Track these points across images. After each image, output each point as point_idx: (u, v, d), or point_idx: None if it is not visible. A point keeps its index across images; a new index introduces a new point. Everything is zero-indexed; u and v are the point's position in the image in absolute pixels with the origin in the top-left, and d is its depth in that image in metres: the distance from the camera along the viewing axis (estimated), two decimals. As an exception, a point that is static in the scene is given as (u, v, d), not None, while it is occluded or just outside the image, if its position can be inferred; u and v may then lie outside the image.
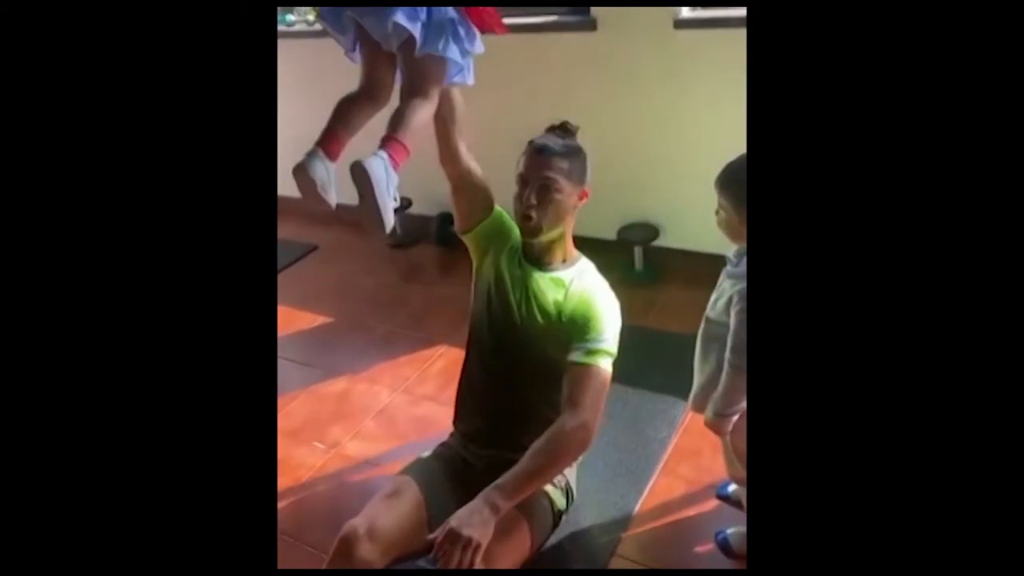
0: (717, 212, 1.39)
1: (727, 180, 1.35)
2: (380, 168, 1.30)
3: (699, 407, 1.47)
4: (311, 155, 1.35)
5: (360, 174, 1.29)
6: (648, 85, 2.56)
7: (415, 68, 1.39)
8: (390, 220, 1.35)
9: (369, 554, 1.39)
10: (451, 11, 1.36)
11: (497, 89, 2.90)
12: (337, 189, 1.37)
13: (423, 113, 1.40)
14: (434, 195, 2.86)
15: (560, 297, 1.58)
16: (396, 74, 1.45)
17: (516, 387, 1.64)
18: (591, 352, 1.51)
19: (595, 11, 2.54)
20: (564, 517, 1.65)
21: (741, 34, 1.92)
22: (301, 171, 1.34)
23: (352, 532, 1.42)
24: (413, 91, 1.40)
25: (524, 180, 1.54)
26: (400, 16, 1.31)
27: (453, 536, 1.30)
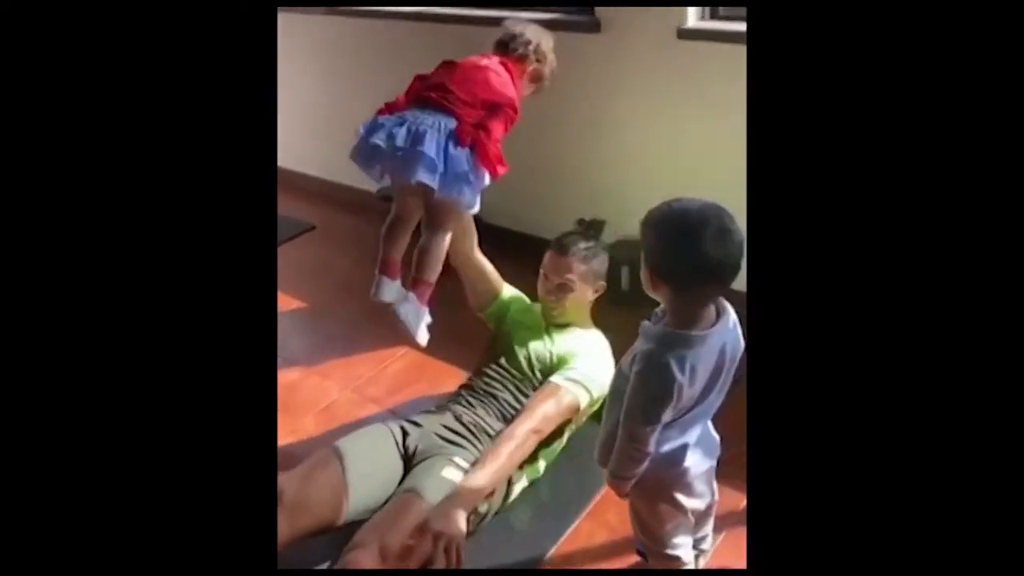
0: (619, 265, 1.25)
1: (644, 224, 1.19)
2: (410, 312, 1.71)
3: (602, 462, 1.34)
4: (378, 285, 1.75)
5: (395, 317, 1.71)
6: (648, 94, 2.41)
7: (434, 207, 1.69)
8: (423, 340, 1.76)
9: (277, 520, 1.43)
10: (464, 164, 1.61)
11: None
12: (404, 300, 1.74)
13: (442, 244, 1.73)
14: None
15: (561, 341, 1.83)
16: (420, 201, 1.74)
17: (499, 418, 1.78)
18: (567, 378, 1.73)
19: (600, 12, 2.39)
20: (480, 523, 1.66)
21: (743, 49, 1.78)
22: (376, 299, 1.77)
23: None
24: (432, 224, 1.72)
25: (545, 275, 1.82)
26: (422, 173, 1.57)
27: (434, 536, 1.44)
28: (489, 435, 1.72)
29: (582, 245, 1.78)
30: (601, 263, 1.82)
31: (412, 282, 1.74)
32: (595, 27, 2.41)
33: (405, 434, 1.72)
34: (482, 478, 1.58)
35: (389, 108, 1.70)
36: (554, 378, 1.74)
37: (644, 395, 1.18)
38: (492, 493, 1.64)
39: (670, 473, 1.28)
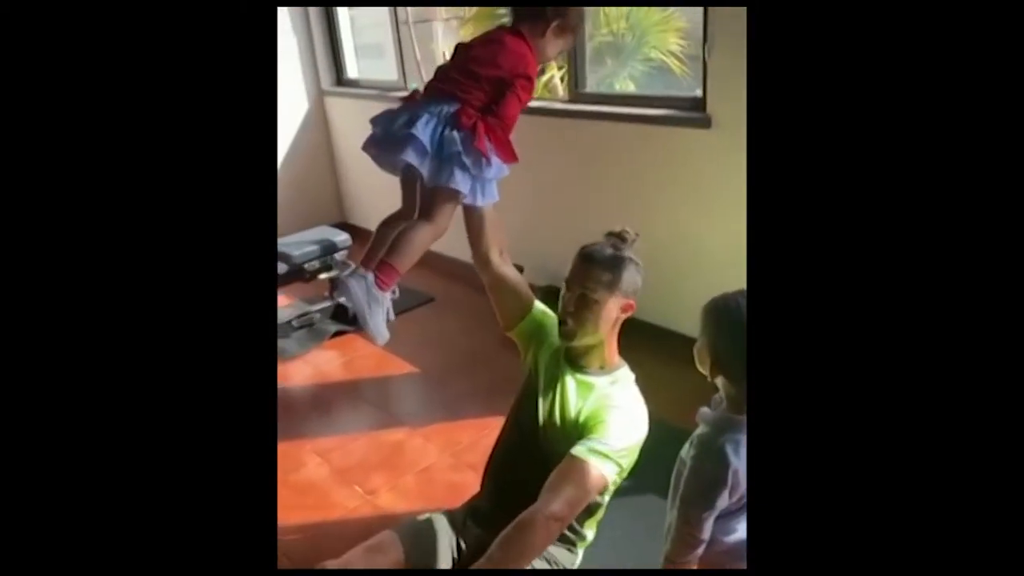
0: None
1: (704, 313, 1.25)
2: (360, 288, 1.51)
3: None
4: (351, 275, 1.56)
5: (343, 290, 1.52)
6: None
7: (425, 195, 1.59)
8: (380, 334, 1.57)
9: None
10: (458, 144, 1.49)
11: (606, 178, 2.94)
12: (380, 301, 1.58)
13: (424, 236, 1.58)
14: (545, 265, 2.94)
15: (584, 402, 1.57)
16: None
17: (526, 483, 1.60)
18: (591, 450, 1.47)
19: (711, 109, 2.50)
20: None
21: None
22: (342, 287, 1.57)
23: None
24: (423, 214, 1.61)
25: (567, 285, 1.57)
26: (409, 154, 1.48)
27: None
28: None
29: (608, 252, 1.54)
30: (631, 276, 1.55)
31: (378, 263, 1.57)
32: (706, 123, 2.51)
33: (460, 529, 1.68)
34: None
35: (404, 102, 1.64)
36: (577, 450, 1.48)
37: (699, 480, 1.20)
38: None
39: (734, 565, 1.28)
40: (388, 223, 1.69)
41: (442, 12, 6.18)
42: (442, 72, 1.63)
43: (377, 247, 1.65)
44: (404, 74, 3.90)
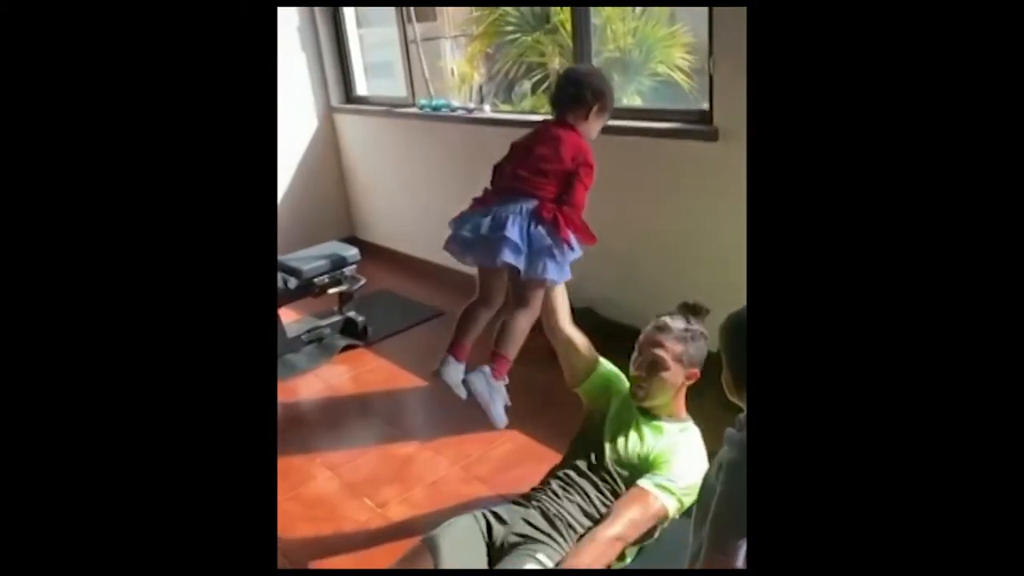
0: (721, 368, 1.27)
1: (724, 331, 1.24)
2: (481, 383, 1.73)
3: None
4: (444, 363, 1.78)
5: (468, 387, 1.75)
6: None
7: (519, 285, 1.76)
8: (501, 419, 1.78)
9: None
10: (547, 238, 1.68)
11: (617, 189, 2.95)
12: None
13: (525, 322, 1.77)
14: (579, 288, 2.94)
15: (655, 442, 1.77)
16: (505, 282, 1.81)
17: (584, 514, 1.76)
18: (657, 484, 1.68)
19: (717, 121, 2.51)
20: None
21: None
22: (437, 377, 1.80)
23: None
24: (518, 302, 1.77)
25: (639, 349, 1.78)
26: (507, 255, 1.67)
27: None
28: (574, 529, 1.70)
29: (681, 325, 1.74)
30: (698, 349, 1.75)
31: (491, 355, 1.76)
32: (713, 136, 2.52)
33: (491, 526, 1.73)
34: None
35: (477, 203, 1.81)
36: (643, 482, 1.69)
37: (732, 506, 1.14)
38: None
39: None
40: (470, 312, 1.87)
41: (449, 30, 6.24)
42: (507, 173, 1.80)
43: (461, 333, 1.84)
44: (413, 91, 3.93)
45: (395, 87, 4.19)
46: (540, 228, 1.68)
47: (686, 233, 2.73)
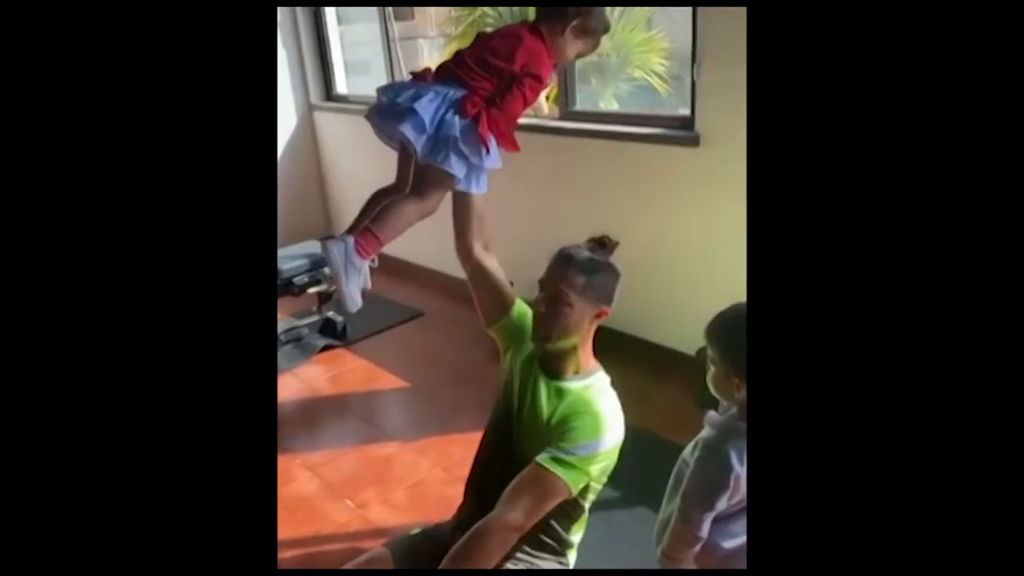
0: (707, 368, 1.31)
1: (715, 330, 1.28)
2: (339, 252, 1.48)
3: (658, 540, 1.38)
4: (332, 238, 1.53)
5: (323, 252, 1.50)
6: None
7: (418, 171, 1.58)
8: (353, 301, 1.52)
9: None
10: (456, 129, 1.49)
11: (596, 196, 2.98)
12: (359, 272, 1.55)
13: (411, 210, 1.57)
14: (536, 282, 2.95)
15: (555, 407, 1.54)
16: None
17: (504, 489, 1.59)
18: (556, 459, 1.44)
19: (699, 127, 2.55)
20: None
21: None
22: (323, 248, 1.52)
23: None
24: (413, 190, 1.60)
25: (541, 285, 1.55)
26: (407, 128, 1.48)
27: None
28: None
29: (585, 255, 1.53)
30: (606, 281, 1.54)
31: (360, 230, 1.56)
32: (694, 142, 2.56)
33: (449, 541, 1.59)
34: None
35: (415, 78, 1.64)
36: (541, 458, 1.45)
37: (701, 481, 1.24)
38: None
39: (732, 567, 1.30)
40: (380, 195, 1.68)
41: (429, 30, 6.21)
42: (458, 56, 1.62)
43: (364, 216, 1.63)
44: (393, 90, 3.93)
45: (371, 85, 4.16)
46: (455, 118, 1.51)
47: (667, 236, 2.76)
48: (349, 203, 4.44)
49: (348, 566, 1.60)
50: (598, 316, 1.55)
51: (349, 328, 3.34)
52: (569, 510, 1.54)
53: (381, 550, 1.65)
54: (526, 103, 1.59)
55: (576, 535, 1.65)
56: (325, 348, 3.26)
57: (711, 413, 1.32)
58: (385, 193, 1.67)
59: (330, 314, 3.34)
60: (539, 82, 1.60)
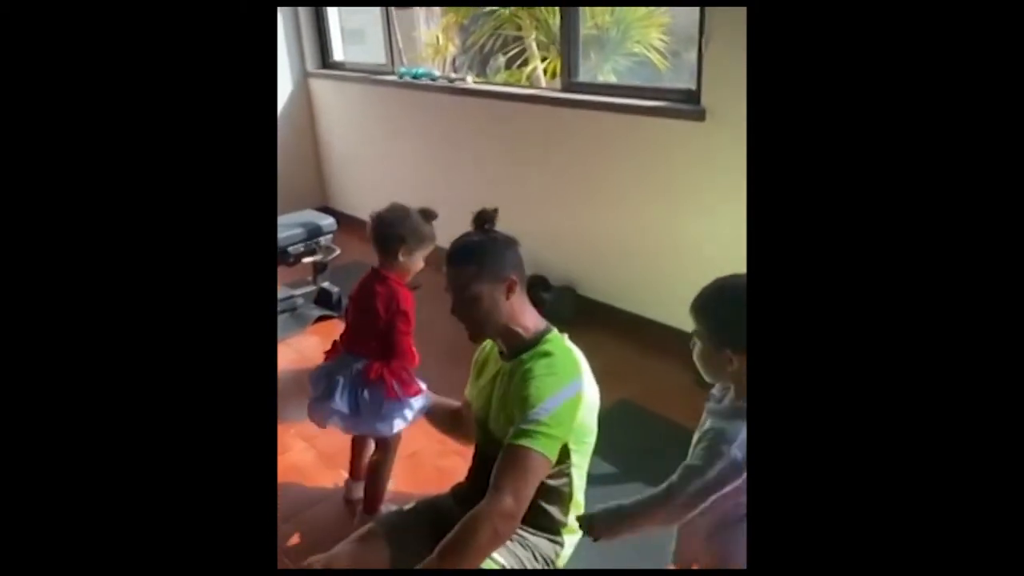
0: (692, 344, 1.28)
1: (701, 306, 1.25)
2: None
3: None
4: (348, 486, 2.21)
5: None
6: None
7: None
8: None
9: None
10: (373, 401, 1.92)
11: (597, 168, 2.95)
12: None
13: (386, 463, 2.12)
14: (535, 257, 2.92)
15: (509, 385, 1.52)
16: None
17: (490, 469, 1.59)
18: (521, 432, 1.41)
19: (705, 101, 2.51)
20: None
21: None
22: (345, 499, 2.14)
23: (309, 567, 1.50)
24: (377, 444, 2.14)
25: (449, 290, 1.54)
26: (336, 420, 1.99)
27: None
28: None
29: (470, 241, 1.51)
30: (497, 255, 1.49)
31: (365, 499, 2.08)
32: (700, 116, 2.52)
33: (446, 514, 1.63)
34: None
35: (327, 355, 2.03)
36: (510, 438, 1.42)
37: (705, 473, 1.20)
38: None
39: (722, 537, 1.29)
40: (355, 445, 2.19)
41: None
42: (344, 331, 2.01)
43: (355, 456, 2.18)
44: (392, 58, 3.86)
45: (366, 54, 4.11)
46: (368, 390, 1.87)
47: (669, 212, 2.74)
48: (345, 173, 4.39)
49: (340, 545, 1.58)
50: (509, 288, 1.50)
51: (344, 299, 3.30)
52: (555, 490, 1.53)
53: (374, 527, 1.64)
54: (408, 335, 1.95)
55: (570, 515, 1.60)
56: (320, 319, 3.23)
57: (710, 404, 1.30)
58: (358, 442, 2.17)
59: (325, 284, 3.31)
60: (406, 315, 1.95)
